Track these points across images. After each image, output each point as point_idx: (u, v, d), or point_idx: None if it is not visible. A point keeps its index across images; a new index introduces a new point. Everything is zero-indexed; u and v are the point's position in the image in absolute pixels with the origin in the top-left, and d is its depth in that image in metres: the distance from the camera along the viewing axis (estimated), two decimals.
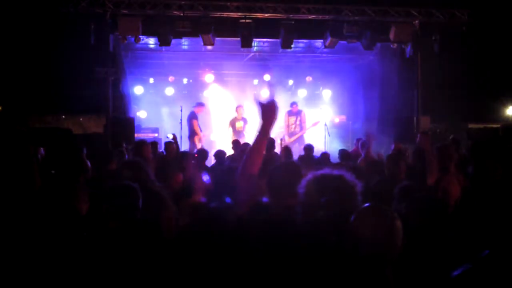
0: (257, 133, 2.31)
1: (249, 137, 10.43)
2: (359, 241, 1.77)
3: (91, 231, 2.56)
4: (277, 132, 11.17)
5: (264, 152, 2.35)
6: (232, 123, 11.41)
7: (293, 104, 11.57)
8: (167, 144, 7.10)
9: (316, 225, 1.91)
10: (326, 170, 2.03)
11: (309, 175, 2.02)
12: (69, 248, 2.41)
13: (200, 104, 11.32)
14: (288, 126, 11.42)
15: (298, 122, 11.37)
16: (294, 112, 11.45)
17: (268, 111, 2.26)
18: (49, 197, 2.92)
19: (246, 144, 7.13)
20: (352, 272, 1.75)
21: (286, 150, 7.07)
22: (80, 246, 2.41)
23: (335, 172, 2.01)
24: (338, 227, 1.85)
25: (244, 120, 11.39)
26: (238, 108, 11.51)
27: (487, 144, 6.75)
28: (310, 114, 12.21)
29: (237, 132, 11.28)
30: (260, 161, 2.30)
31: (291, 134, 11.35)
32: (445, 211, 2.73)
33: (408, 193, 2.96)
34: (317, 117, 12.08)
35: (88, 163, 4.46)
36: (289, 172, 2.37)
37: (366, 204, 1.88)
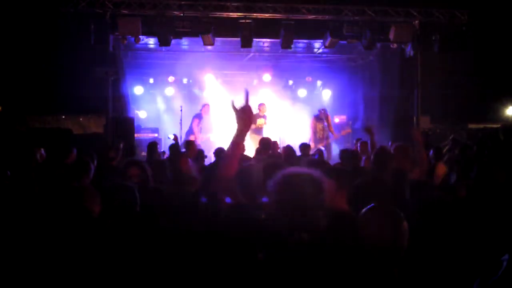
0: (233, 138, 2.33)
1: (268, 134, 10.57)
2: (365, 240, 1.77)
3: (101, 232, 2.56)
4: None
5: (239, 156, 2.35)
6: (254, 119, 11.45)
7: (320, 109, 11.26)
8: (189, 143, 7.19)
9: (286, 223, 1.92)
10: (294, 169, 2.05)
11: (278, 174, 2.03)
12: (80, 250, 2.41)
13: (205, 105, 11.44)
14: (315, 132, 11.07)
15: (326, 128, 11.05)
16: (322, 117, 11.10)
17: (244, 115, 2.29)
18: (60, 199, 2.92)
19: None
20: (355, 271, 1.75)
21: (288, 150, 7.03)
22: (92, 248, 2.41)
23: (304, 170, 2.03)
24: (306, 225, 1.88)
25: (265, 117, 11.45)
26: (260, 105, 11.54)
27: (491, 146, 6.74)
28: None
29: (257, 128, 11.29)
30: (236, 164, 2.31)
31: (318, 140, 10.96)
32: (450, 211, 2.73)
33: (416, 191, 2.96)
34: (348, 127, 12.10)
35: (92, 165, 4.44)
36: (255, 172, 2.39)
37: (372, 205, 1.88)
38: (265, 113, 11.46)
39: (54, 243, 2.40)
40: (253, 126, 11.44)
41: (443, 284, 2.20)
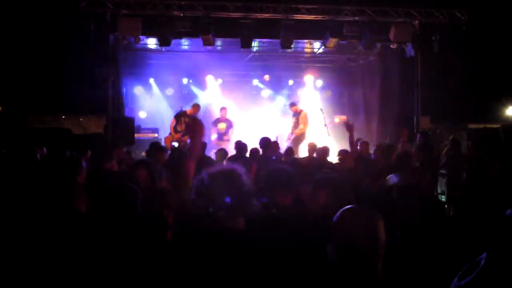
0: (189, 145, 2.67)
1: (232, 139, 10.24)
2: (341, 240, 1.80)
3: (91, 230, 2.57)
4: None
5: (194, 164, 2.55)
6: (215, 124, 11.35)
7: (289, 104, 11.39)
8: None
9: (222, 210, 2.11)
10: (217, 166, 2.27)
11: (203, 173, 2.22)
12: (71, 247, 2.41)
13: (194, 105, 10.99)
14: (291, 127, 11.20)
15: (295, 124, 11.10)
16: (292, 113, 11.26)
17: (194, 128, 2.59)
18: (49, 196, 2.93)
19: (248, 147, 7.12)
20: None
21: (288, 151, 7.14)
22: (82, 245, 2.41)
23: (226, 166, 2.30)
24: (236, 212, 2.10)
25: (227, 121, 11.37)
26: (221, 109, 11.50)
27: (486, 143, 6.75)
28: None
29: (219, 133, 11.21)
30: (192, 167, 2.54)
31: (289, 135, 11.20)
32: (442, 211, 2.74)
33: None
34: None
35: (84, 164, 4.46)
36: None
37: (349, 206, 1.91)
38: (226, 118, 11.38)
39: (44, 241, 2.41)
40: (213, 132, 11.16)
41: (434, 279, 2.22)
